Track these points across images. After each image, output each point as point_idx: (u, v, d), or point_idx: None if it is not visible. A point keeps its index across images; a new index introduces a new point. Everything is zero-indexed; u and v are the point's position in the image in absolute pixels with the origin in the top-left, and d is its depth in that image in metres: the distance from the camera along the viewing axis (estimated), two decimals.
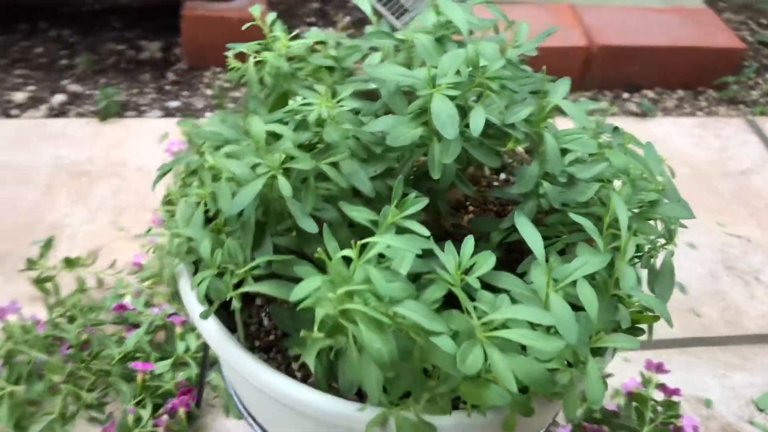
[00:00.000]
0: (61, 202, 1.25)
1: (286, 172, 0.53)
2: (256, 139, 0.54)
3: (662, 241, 0.60)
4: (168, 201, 0.65)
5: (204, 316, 0.57)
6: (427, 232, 0.50)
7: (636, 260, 0.59)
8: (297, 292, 0.46)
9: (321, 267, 0.49)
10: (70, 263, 1.10)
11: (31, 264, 1.09)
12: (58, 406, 0.94)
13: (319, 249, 0.46)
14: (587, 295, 0.48)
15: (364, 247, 0.48)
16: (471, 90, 0.56)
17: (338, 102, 0.57)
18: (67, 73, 1.54)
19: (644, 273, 0.61)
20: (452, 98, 0.54)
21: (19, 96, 1.46)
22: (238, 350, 0.56)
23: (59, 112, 1.43)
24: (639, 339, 0.58)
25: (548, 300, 0.48)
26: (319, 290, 0.46)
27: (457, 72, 0.56)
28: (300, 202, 0.53)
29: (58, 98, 1.46)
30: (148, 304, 1.07)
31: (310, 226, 0.52)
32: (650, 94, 1.68)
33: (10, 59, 1.56)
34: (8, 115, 1.42)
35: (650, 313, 0.56)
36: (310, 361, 0.48)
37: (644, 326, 0.58)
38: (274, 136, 0.56)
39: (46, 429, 0.92)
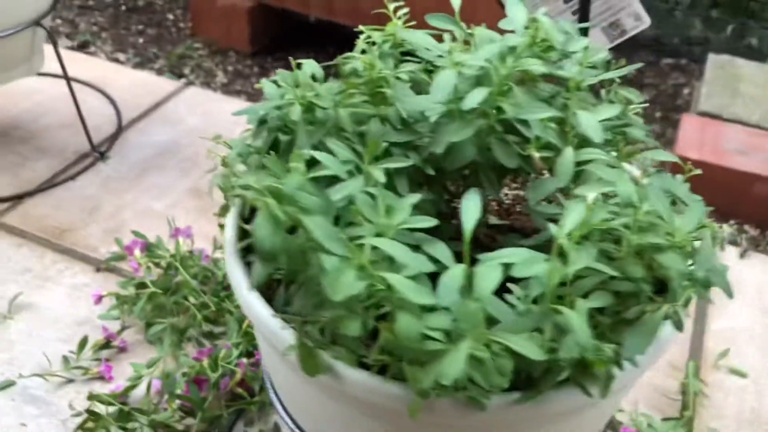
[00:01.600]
0: None
1: (310, 106, 0.59)
2: (302, 76, 0.61)
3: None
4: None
5: (221, 213, 0.65)
6: (381, 179, 0.52)
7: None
8: (240, 180, 0.52)
9: None
10: None
11: (221, 212, 1.28)
12: (180, 320, 1.08)
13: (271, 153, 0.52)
14: (482, 275, 0.45)
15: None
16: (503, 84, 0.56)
17: (392, 68, 0.62)
18: None
19: None
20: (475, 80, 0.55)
21: None
22: (233, 249, 0.63)
23: None
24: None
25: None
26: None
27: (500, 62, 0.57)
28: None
29: None
30: None
31: (322, 154, 0.56)
32: None
33: None
34: None
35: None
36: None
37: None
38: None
39: (161, 332, 1.07)
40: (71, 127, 1.50)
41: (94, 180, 1.40)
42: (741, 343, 1.15)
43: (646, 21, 0.73)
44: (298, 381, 0.61)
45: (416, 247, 0.50)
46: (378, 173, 0.52)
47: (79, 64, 1.72)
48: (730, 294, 0.54)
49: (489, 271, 0.46)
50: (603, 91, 0.68)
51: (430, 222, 0.50)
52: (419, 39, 0.58)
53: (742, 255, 1.31)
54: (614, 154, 0.62)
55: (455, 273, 0.45)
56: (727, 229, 1.37)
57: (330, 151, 0.56)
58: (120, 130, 1.52)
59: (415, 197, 0.51)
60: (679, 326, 0.55)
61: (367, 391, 0.53)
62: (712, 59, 1.66)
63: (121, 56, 1.79)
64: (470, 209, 0.48)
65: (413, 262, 0.45)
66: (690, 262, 0.53)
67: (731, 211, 1.41)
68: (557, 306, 0.47)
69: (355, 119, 0.60)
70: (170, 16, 1.96)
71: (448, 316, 0.46)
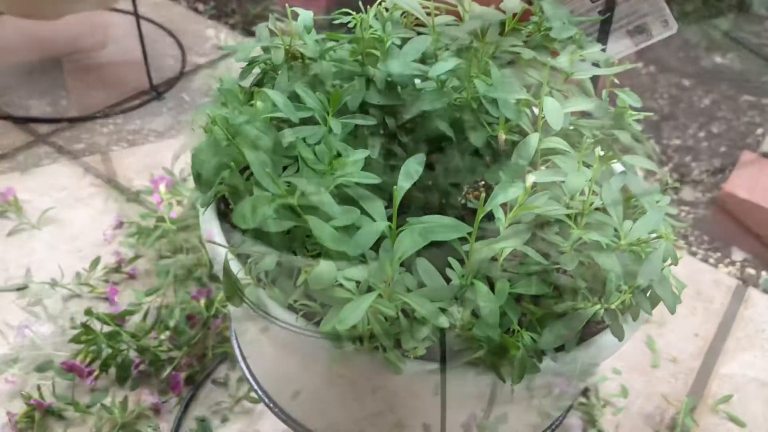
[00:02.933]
0: None
1: (297, 54, 0.60)
2: (296, 26, 0.62)
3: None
4: None
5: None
6: (338, 131, 0.53)
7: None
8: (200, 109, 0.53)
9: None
10: None
11: None
12: (189, 258, 1.12)
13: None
14: (402, 236, 0.45)
15: None
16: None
17: (384, 34, 0.62)
18: None
19: None
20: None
21: None
22: None
23: None
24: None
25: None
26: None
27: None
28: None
29: None
30: None
31: (277, 95, 0.58)
32: None
33: None
34: None
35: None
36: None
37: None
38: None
39: (166, 267, 1.11)
40: (137, 65, 1.56)
41: (146, 117, 1.45)
42: (748, 392, 1.10)
43: (674, 27, 0.71)
44: (243, 320, 0.63)
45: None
46: (336, 125, 0.53)
47: (159, 7, 1.78)
48: (671, 310, 0.52)
49: (408, 233, 0.46)
50: (604, 92, 0.66)
51: (373, 179, 0.50)
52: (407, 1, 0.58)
53: None
54: (602, 153, 0.61)
55: (373, 228, 0.45)
56: (764, 275, 1.31)
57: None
58: (182, 74, 1.57)
59: (363, 153, 0.51)
60: (617, 334, 0.54)
61: (293, 334, 0.54)
62: None
63: (201, 6, 1.85)
64: (409, 173, 0.48)
65: (333, 210, 0.46)
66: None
67: None
68: (474, 281, 0.47)
69: (340, 76, 0.61)
70: None
71: (366, 270, 0.47)
